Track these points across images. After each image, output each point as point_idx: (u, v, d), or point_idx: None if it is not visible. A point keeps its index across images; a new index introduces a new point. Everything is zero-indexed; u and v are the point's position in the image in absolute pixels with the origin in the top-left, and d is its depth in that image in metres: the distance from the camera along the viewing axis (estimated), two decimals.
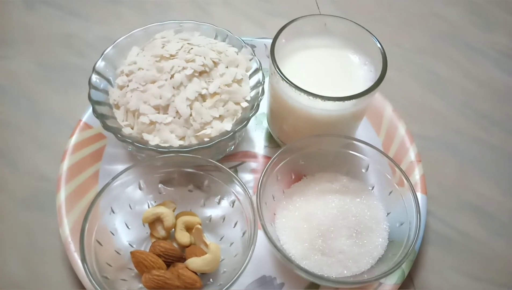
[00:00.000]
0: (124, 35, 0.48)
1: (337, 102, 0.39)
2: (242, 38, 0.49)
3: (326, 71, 0.44)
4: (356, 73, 0.43)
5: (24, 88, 0.56)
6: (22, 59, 0.59)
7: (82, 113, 0.49)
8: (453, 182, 0.50)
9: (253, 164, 0.49)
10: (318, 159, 0.44)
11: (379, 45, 0.42)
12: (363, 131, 0.50)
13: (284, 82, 0.39)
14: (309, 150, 0.43)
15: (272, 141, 0.51)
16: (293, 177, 0.44)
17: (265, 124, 0.52)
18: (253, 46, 0.56)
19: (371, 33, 0.43)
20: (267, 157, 0.50)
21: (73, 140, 0.47)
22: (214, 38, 0.50)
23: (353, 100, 0.39)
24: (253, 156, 0.50)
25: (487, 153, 0.53)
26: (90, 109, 0.47)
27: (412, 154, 0.48)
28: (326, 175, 0.44)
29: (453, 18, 0.68)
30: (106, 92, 0.45)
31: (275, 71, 0.40)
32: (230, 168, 0.48)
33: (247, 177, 0.48)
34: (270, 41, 0.56)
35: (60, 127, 0.52)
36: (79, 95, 0.54)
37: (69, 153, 0.46)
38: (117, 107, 0.44)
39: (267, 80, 0.45)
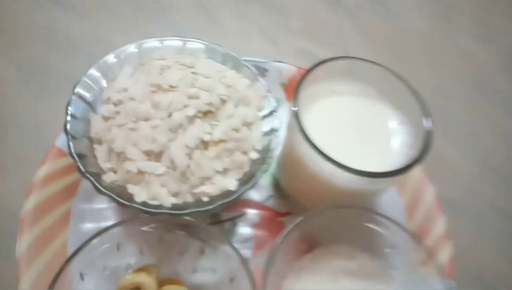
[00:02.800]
0: (114, 35, 0.40)
1: (369, 178, 0.32)
2: (253, 59, 0.41)
3: (355, 128, 0.36)
4: (390, 134, 0.36)
5: None
6: None
7: (57, 132, 0.41)
8: (485, 262, 0.44)
9: (254, 217, 0.42)
10: (335, 231, 0.37)
11: (422, 110, 0.34)
12: None
13: (307, 143, 0.32)
14: (327, 220, 0.36)
15: (279, 190, 0.44)
16: (304, 247, 0.37)
17: (272, 168, 0.45)
18: (265, 70, 0.49)
19: (414, 90, 0.35)
20: (272, 210, 0.42)
21: (43, 170, 0.39)
22: (222, 63, 0.42)
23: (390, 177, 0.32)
24: (256, 206, 0.42)
25: None
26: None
27: (440, 228, 0.41)
28: (342, 250, 0.37)
29: (481, 57, 0.61)
30: (86, 120, 0.37)
31: (297, 127, 0.33)
32: (227, 220, 0.42)
33: (247, 233, 0.41)
34: (286, 66, 0.49)
35: (31, 148, 0.44)
36: (56, 106, 0.45)
37: (37, 187, 0.38)
38: (99, 142, 0.36)
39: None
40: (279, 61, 0.50)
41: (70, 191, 0.40)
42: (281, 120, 0.39)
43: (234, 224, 0.41)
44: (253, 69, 0.41)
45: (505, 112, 0.56)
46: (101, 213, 0.40)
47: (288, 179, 0.41)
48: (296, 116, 0.33)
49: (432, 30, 0.62)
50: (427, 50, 0.60)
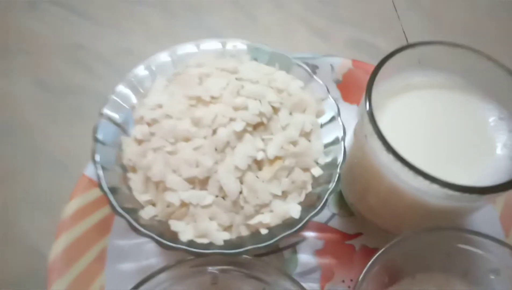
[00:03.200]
0: (146, 46, 0.35)
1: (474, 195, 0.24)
2: (299, 56, 0.35)
3: (442, 130, 0.29)
4: (488, 133, 0.29)
5: (20, 118, 0.43)
6: (19, 77, 0.46)
7: (87, 160, 0.36)
8: None
9: (317, 242, 0.35)
10: (422, 257, 0.30)
11: None
12: None
13: (390, 155, 0.25)
14: (413, 246, 0.29)
15: (343, 206, 0.37)
16: (387, 279, 0.31)
17: None
18: (314, 67, 0.42)
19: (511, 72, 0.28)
20: (338, 232, 0.36)
21: (73, 205, 0.34)
22: (268, 64, 0.35)
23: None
24: (318, 228, 0.36)
25: None
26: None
27: None
28: (434, 279, 0.30)
29: None
30: (117, 144, 0.32)
31: (374, 135, 0.26)
32: (287, 248, 0.35)
33: (310, 262, 0.35)
34: (339, 60, 0.43)
35: (62, 177, 0.39)
36: (87, 130, 0.41)
37: (66, 226, 0.34)
38: (134, 170, 0.31)
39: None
40: (330, 55, 0.43)
41: (104, 227, 0.35)
42: (345, 125, 0.32)
43: (295, 252, 0.35)
44: (306, 67, 0.34)
45: None
46: (142, 248, 0.35)
47: (356, 194, 0.35)
48: (371, 119, 0.26)
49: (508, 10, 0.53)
50: (509, 27, 0.51)
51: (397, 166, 0.25)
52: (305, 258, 0.35)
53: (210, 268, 0.29)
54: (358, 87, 0.42)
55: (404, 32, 0.48)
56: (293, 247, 0.35)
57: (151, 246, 0.35)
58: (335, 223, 0.36)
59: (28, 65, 0.46)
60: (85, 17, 0.50)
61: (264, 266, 0.28)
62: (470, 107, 0.30)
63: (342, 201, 0.37)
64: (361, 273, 0.27)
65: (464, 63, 0.30)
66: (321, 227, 0.36)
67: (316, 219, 0.35)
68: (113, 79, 0.33)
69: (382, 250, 0.27)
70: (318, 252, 0.35)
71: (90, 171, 0.36)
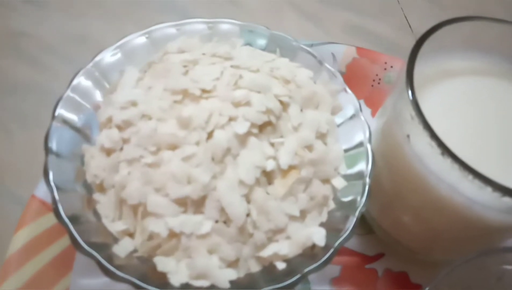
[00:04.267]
0: (106, 35, 0.28)
1: None
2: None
3: (493, 124, 0.24)
4: None
5: None
6: None
7: (37, 180, 0.28)
8: None
9: (333, 268, 0.29)
10: (473, 285, 0.24)
11: None
12: None
13: (448, 159, 0.19)
14: (462, 275, 0.23)
15: (361, 221, 0.31)
16: None
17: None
18: None
19: None
20: (356, 254, 0.30)
21: (20, 238, 0.26)
22: (266, 50, 0.29)
23: None
24: None
25: None
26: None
27: None
28: None
29: None
30: (76, 156, 0.24)
31: (425, 135, 0.20)
32: (296, 277, 0.29)
33: None
34: (341, 48, 0.37)
35: (4, 203, 0.31)
36: (34, 138, 0.33)
37: (14, 264, 0.26)
38: (101, 190, 0.23)
39: None
40: (331, 42, 0.37)
41: (64, 263, 0.27)
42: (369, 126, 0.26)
43: (307, 282, 0.29)
44: (314, 52, 0.28)
45: None
46: (115, 287, 0.27)
47: (381, 207, 0.29)
48: (419, 114, 0.20)
49: None
50: None
51: (456, 174, 0.20)
52: (319, 287, 0.28)
53: None
54: (366, 78, 0.37)
55: (405, 16, 0.43)
56: (303, 275, 0.29)
57: (125, 285, 0.27)
58: (352, 243, 0.30)
59: None
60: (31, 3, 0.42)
61: None
62: None
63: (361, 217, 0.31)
64: None
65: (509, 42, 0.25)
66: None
67: None
68: (64, 72, 0.26)
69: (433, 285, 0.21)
70: (335, 281, 0.29)
71: (41, 191, 0.28)
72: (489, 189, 0.19)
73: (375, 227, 0.30)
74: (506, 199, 0.19)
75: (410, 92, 0.21)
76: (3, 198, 0.31)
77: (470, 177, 0.19)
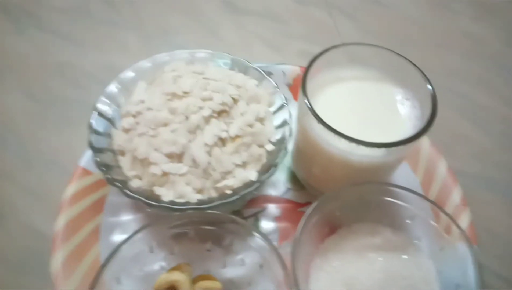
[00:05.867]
0: (124, 63, 0.42)
1: (382, 149, 0.33)
2: (257, 65, 0.44)
3: (363, 108, 0.38)
4: (398, 110, 0.38)
5: (14, 126, 0.50)
6: (11, 92, 0.53)
7: (80, 157, 0.43)
8: (502, 226, 0.45)
9: (275, 211, 0.43)
10: (356, 209, 0.38)
11: (423, 79, 0.36)
12: (398, 170, 0.44)
13: (320, 125, 0.34)
14: (346, 200, 0.37)
15: (296, 182, 0.45)
16: (327, 229, 0.38)
17: (287, 162, 0.46)
18: (269, 74, 0.50)
19: (414, 64, 0.37)
20: (291, 202, 0.44)
21: (70, 189, 0.41)
22: (230, 69, 0.44)
23: (401, 145, 0.33)
24: (276, 200, 0.44)
25: None
26: (88, 153, 0.41)
27: (456, 197, 0.42)
28: (365, 227, 0.38)
29: (483, 37, 0.63)
30: (108, 135, 0.39)
31: (309, 112, 0.34)
32: (250, 216, 0.43)
33: (270, 227, 0.42)
34: (289, 67, 0.52)
35: (55, 173, 0.46)
36: (75, 134, 0.48)
37: (65, 206, 0.40)
38: (122, 153, 0.38)
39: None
40: (282, 63, 0.52)
41: (98, 207, 0.41)
42: (291, 114, 0.40)
43: (257, 220, 0.42)
44: (260, 70, 0.43)
45: None
46: (130, 224, 0.41)
47: (304, 170, 0.43)
48: (307, 101, 0.35)
49: (430, 18, 0.65)
50: (430, 38, 0.62)
51: (326, 133, 0.34)
52: (266, 223, 0.42)
53: (186, 226, 0.36)
54: None
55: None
56: (255, 216, 0.43)
57: (137, 222, 0.41)
58: (289, 196, 0.44)
59: (19, 82, 0.53)
60: (68, 39, 0.58)
61: (234, 221, 0.35)
62: (384, 91, 0.39)
63: (294, 178, 0.45)
64: (302, 222, 0.34)
65: (376, 58, 0.39)
66: (279, 200, 0.44)
67: (273, 193, 0.44)
68: (97, 91, 0.41)
69: (317, 202, 0.35)
70: (277, 219, 0.42)
71: (84, 162, 0.43)
72: (343, 140, 0.33)
73: (304, 184, 0.44)
74: (353, 145, 0.33)
75: (302, 86, 0.36)
76: (54, 172, 0.46)
77: (332, 134, 0.33)
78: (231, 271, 0.37)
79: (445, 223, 0.36)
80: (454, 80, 0.57)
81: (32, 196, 0.44)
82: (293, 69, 0.52)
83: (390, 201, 0.38)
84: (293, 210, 0.43)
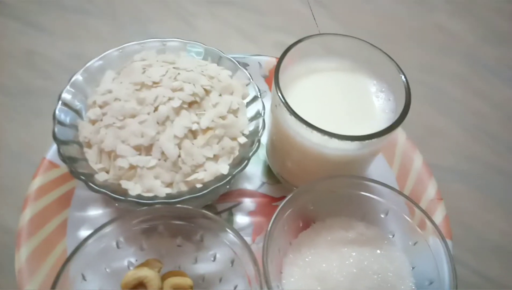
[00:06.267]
0: (95, 52, 0.41)
1: (355, 142, 0.32)
2: (233, 56, 0.42)
3: (337, 100, 0.37)
4: (372, 102, 0.37)
5: None
6: None
7: (47, 149, 0.42)
8: (476, 219, 0.45)
9: (250, 205, 0.42)
10: (330, 203, 0.37)
11: (398, 71, 0.36)
12: (374, 163, 0.44)
13: (292, 117, 0.33)
14: (319, 194, 0.37)
15: (271, 176, 0.44)
16: (301, 224, 0.38)
17: (262, 156, 0.45)
18: (245, 65, 0.50)
19: (389, 56, 0.37)
20: (266, 196, 0.43)
21: (36, 182, 0.40)
22: (203, 59, 0.43)
23: (375, 138, 0.32)
24: (250, 195, 0.43)
25: (507, 183, 0.48)
26: (55, 146, 0.40)
27: (432, 191, 0.42)
28: (339, 221, 0.38)
29: (459, 32, 0.63)
30: (74, 127, 0.37)
31: (281, 103, 0.34)
32: (224, 211, 0.42)
33: (245, 221, 0.41)
34: (265, 58, 0.51)
35: (21, 165, 0.44)
36: (43, 125, 0.46)
37: (31, 200, 0.39)
38: (89, 146, 0.36)
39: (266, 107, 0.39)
40: (258, 54, 0.51)
41: (65, 201, 0.40)
42: (265, 106, 0.39)
43: (231, 214, 0.42)
44: (233, 60, 0.42)
45: (491, 78, 0.57)
46: (98, 219, 0.40)
47: (278, 163, 0.42)
48: (279, 92, 0.34)
49: (407, 12, 0.64)
50: (406, 33, 0.62)
51: (299, 125, 0.33)
52: (240, 218, 0.41)
53: (155, 221, 0.35)
54: None
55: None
56: (229, 210, 0.42)
57: (106, 217, 0.40)
58: (264, 190, 0.43)
59: None
60: (38, 28, 0.56)
61: (204, 216, 0.34)
62: (359, 83, 0.38)
63: (270, 172, 0.44)
64: (274, 216, 0.34)
65: (351, 50, 0.39)
66: (253, 194, 0.43)
67: (248, 187, 0.43)
68: (66, 81, 0.39)
69: (290, 196, 0.34)
70: (251, 213, 0.42)
71: (50, 155, 0.41)
72: (316, 133, 0.32)
73: (279, 178, 0.43)
74: (326, 138, 0.32)
75: (275, 77, 0.35)
76: (21, 164, 0.44)
77: (304, 126, 0.32)
78: (202, 267, 0.36)
79: (419, 218, 0.35)
80: (429, 75, 0.57)
81: None
82: (270, 60, 0.51)
83: (364, 195, 0.37)
84: (268, 204, 0.42)
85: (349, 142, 0.32)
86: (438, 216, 0.40)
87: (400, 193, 0.36)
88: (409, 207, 0.36)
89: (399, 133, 0.46)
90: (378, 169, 0.44)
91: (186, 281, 0.34)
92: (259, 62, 0.50)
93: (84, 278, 0.32)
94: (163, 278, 0.35)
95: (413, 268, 0.36)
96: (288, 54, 0.36)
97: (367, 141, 0.32)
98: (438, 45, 0.61)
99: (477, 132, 0.52)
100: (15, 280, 0.35)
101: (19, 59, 0.53)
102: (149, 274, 0.33)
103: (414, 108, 0.43)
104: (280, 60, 0.36)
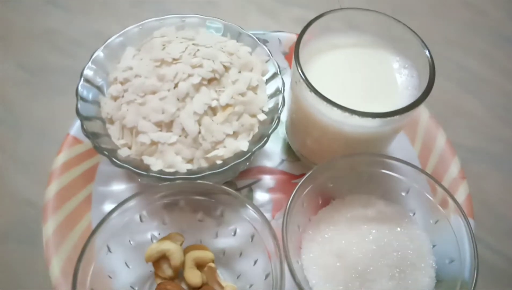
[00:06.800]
0: (114, 30, 0.41)
1: (377, 119, 0.32)
2: (252, 32, 0.42)
3: (359, 77, 0.37)
4: (395, 79, 0.37)
5: (2, 95, 0.49)
6: None
7: (70, 125, 0.42)
8: (499, 200, 0.44)
9: (270, 182, 0.42)
10: (349, 181, 0.37)
11: (422, 46, 0.35)
12: (395, 141, 0.43)
13: (312, 93, 0.33)
14: (339, 171, 0.36)
15: (291, 153, 0.44)
16: (320, 201, 0.38)
17: (282, 133, 0.45)
18: (265, 41, 0.49)
19: (413, 31, 0.36)
20: (286, 173, 0.43)
21: (61, 158, 0.41)
22: (222, 35, 0.42)
23: (397, 116, 0.32)
24: (270, 172, 0.43)
25: None
26: (79, 121, 0.40)
27: (454, 170, 0.41)
28: (359, 199, 0.38)
29: (486, 8, 0.60)
30: (97, 103, 0.38)
31: (301, 79, 0.33)
32: (244, 187, 0.42)
33: (264, 198, 0.42)
34: (285, 35, 0.50)
35: (45, 142, 0.45)
36: (65, 102, 0.46)
37: (56, 175, 0.40)
38: (111, 122, 0.37)
39: (286, 84, 0.38)
40: (278, 31, 0.50)
41: (89, 176, 0.41)
42: (285, 83, 0.39)
43: (251, 191, 0.42)
44: (253, 36, 0.41)
45: None
46: (121, 194, 0.41)
47: (298, 141, 0.42)
48: (299, 68, 0.33)
49: None
50: (431, 8, 0.60)
51: (319, 102, 0.33)
52: (259, 195, 0.42)
53: (177, 196, 0.35)
54: None
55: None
56: (249, 187, 0.42)
57: (129, 191, 0.41)
58: (284, 167, 0.43)
59: (6, 51, 0.52)
60: (57, 5, 0.56)
61: (225, 192, 0.34)
62: (381, 59, 0.37)
63: (289, 150, 0.44)
64: (294, 192, 0.34)
65: (374, 25, 0.38)
66: (273, 171, 0.43)
67: (268, 164, 0.43)
68: (87, 58, 0.39)
69: (309, 173, 0.34)
70: (270, 190, 0.42)
71: (74, 131, 0.42)
72: (336, 110, 0.32)
73: (299, 156, 0.43)
74: (347, 115, 0.32)
75: (295, 53, 0.34)
76: (44, 140, 0.45)
77: (325, 103, 0.32)
78: (223, 242, 0.37)
79: (441, 196, 0.35)
80: (455, 51, 0.55)
81: (22, 166, 0.44)
82: (290, 37, 0.50)
83: (384, 173, 0.37)
84: (287, 181, 0.42)
85: (370, 119, 0.32)
86: (461, 195, 0.40)
87: (422, 171, 0.36)
88: (430, 185, 0.35)
89: (422, 111, 0.45)
90: (400, 147, 0.43)
91: (208, 254, 0.35)
92: (279, 39, 0.50)
93: (109, 250, 0.33)
94: (185, 251, 0.35)
95: (433, 246, 0.35)
96: (309, 30, 0.36)
97: (388, 118, 0.32)
98: (463, 21, 0.59)
99: (503, 112, 0.50)
100: (43, 252, 0.36)
101: (39, 37, 0.53)
102: (171, 247, 0.34)
103: (438, 86, 0.42)
104: (301, 36, 0.35)
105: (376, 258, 0.33)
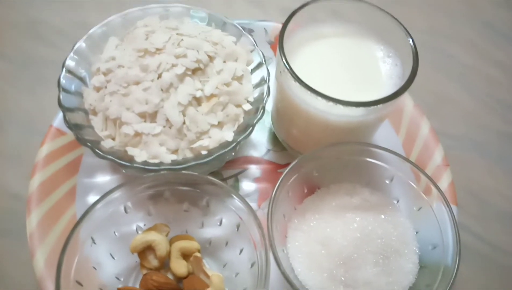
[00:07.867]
0: (97, 19, 0.40)
1: (360, 108, 0.32)
2: (238, 22, 0.42)
3: (343, 66, 0.37)
4: (379, 67, 0.37)
5: None
6: None
7: (53, 117, 0.42)
8: (482, 187, 0.45)
9: (256, 172, 0.42)
10: (335, 170, 0.38)
11: (406, 35, 0.35)
12: (380, 130, 0.43)
13: (297, 83, 0.33)
14: (324, 160, 0.37)
15: (276, 143, 0.44)
16: (306, 190, 0.38)
17: (268, 123, 0.45)
18: (250, 31, 0.49)
19: (397, 20, 0.36)
20: (272, 163, 0.43)
21: (44, 150, 0.40)
22: (207, 25, 0.42)
23: (380, 104, 0.32)
24: (256, 161, 0.43)
25: None
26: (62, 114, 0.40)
27: (438, 157, 0.42)
28: (344, 187, 0.38)
29: None
30: (79, 94, 0.38)
31: (286, 69, 0.33)
32: (230, 177, 0.42)
33: (250, 187, 0.42)
34: (271, 24, 0.50)
35: (29, 134, 0.44)
36: (49, 93, 0.46)
37: (40, 167, 0.39)
38: (94, 113, 0.37)
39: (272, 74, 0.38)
40: (264, 20, 0.50)
41: (73, 168, 0.41)
42: (270, 72, 0.39)
43: (237, 181, 0.42)
44: (238, 26, 0.41)
45: (504, 44, 0.56)
46: (106, 185, 0.40)
47: (284, 130, 0.42)
48: (283, 58, 0.33)
49: None
50: None
51: (303, 92, 0.33)
52: (246, 184, 0.42)
53: (162, 187, 0.35)
54: None
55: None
56: (235, 177, 0.42)
57: (113, 183, 0.41)
58: (270, 157, 0.44)
59: None
60: None
61: (210, 182, 0.34)
62: (365, 49, 0.38)
63: (275, 139, 0.44)
64: (279, 181, 0.34)
65: (362, 15, 0.38)
66: (259, 161, 0.43)
67: (254, 154, 0.43)
68: (70, 49, 0.38)
69: (294, 162, 0.35)
70: (257, 180, 0.42)
71: (57, 122, 0.41)
72: (320, 99, 0.32)
73: (285, 145, 0.43)
74: (331, 104, 0.32)
75: (279, 42, 0.34)
76: (28, 132, 0.45)
77: (309, 92, 0.32)
78: (209, 231, 0.37)
79: (425, 184, 0.35)
80: (439, 40, 0.56)
81: (6, 158, 0.43)
82: (275, 26, 0.50)
83: (369, 161, 0.37)
84: (273, 171, 0.43)
85: (354, 108, 0.32)
86: (444, 182, 0.40)
87: (406, 159, 0.36)
88: (414, 173, 0.36)
89: (406, 100, 0.45)
90: (384, 135, 0.43)
91: (194, 244, 0.35)
92: (264, 28, 0.50)
93: (93, 241, 0.33)
94: (171, 242, 0.35)
95: (417, 233, 0.36)
96: (293, 19, 0.36)
97: (372, 107, 0.32)
98: (448, 9, 0.59)
99: (487, 99, 0.51)
100: (27, 244, 0.36)
101: (22, 27, 0.52)
102: (157, 238, 0.34)
103: (423, 74, 0.42)
104: (285, 25, 0.35)
105: (361, 245, 0.34)
